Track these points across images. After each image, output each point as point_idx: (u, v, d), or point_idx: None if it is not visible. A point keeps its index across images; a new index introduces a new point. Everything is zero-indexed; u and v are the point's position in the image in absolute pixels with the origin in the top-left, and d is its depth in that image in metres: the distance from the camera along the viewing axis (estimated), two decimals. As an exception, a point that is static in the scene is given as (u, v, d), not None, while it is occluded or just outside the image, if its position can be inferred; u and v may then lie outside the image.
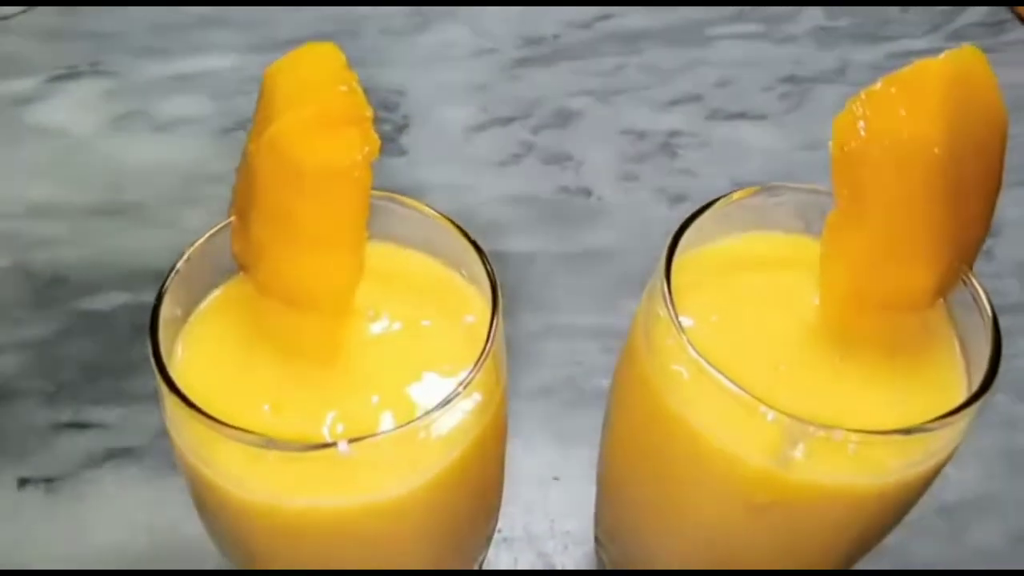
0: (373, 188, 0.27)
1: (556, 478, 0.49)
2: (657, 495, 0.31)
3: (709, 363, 0.26)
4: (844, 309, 0.30)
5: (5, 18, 0.74)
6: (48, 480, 0.48)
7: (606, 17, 0.79)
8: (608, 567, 0.41)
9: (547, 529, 0.47)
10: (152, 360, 0.26)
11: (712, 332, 0.29)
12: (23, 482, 0.47)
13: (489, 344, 0.27)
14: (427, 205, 0.31)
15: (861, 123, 0.26)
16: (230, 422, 0.25)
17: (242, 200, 0.29)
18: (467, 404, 0.27)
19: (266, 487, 0.26)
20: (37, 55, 0.72)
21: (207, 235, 0.29)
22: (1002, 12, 0.80)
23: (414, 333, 0.30)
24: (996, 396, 0.53)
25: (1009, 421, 0.52)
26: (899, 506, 0.29)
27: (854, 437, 0.25)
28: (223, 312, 0.31)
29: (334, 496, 0.26)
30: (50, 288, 0.56)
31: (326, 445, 0.24)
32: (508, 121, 0.69)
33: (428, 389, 0.28)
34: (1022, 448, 0.51)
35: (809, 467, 0.26)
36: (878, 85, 0.26)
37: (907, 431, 0.25)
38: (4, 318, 0.55)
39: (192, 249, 0.29)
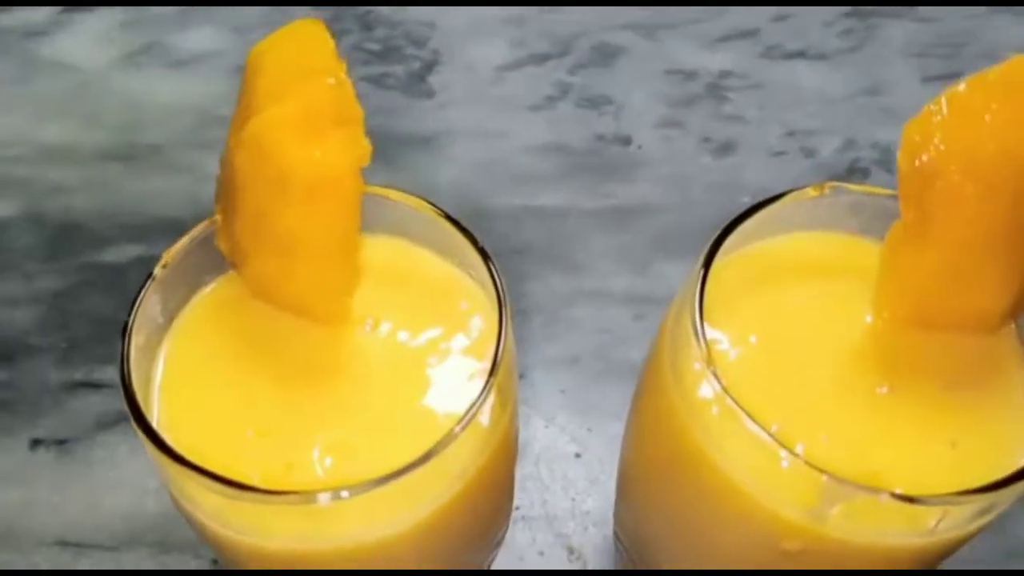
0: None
1: (578, 455, 0.47)
2: (680, 526, 0.28)
3: (742, 407, 0.23)
4: (897, 329, 0.27)
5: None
6: (60, 442, 0.47)
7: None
8: (624, 557, 0.39)
9: (567, 509, 0.45)
10: (123, 396, 0.24)
11: (748, 357, 0.26)
12: (35, 443, 0.47)
13: (493, 376, 0.24)
14: (434, 205, 0.28)
15: (938, 136, 0.22)
16: (209, 448, 0.23)
17: (225, 198, 0.26)
18: (469, 438, 0.24)
19: (245, 526, 0.24)
20: (50, -19, 0.68)
21: (187, 237, 0.27)
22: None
23: (417, 348, 0.27)
24: None
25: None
26: (943, 556, 0.26)
27: (900, 503, 0.22)
28: (210, 316, 0.28)
29: (315, 540, 0.23)
30: (63, 238, 0.55)
31: (303, 494, 0.22)
32: (543, 59, 0.64)
33: (430, 415, 0.26)
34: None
35: (846, 525, 0.23)
36: (961, 87, 0.22)
37: (959, 495, 0.22)
38: (17, 270, 0.53)
39: (170, 254, 0.26)
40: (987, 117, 0.22)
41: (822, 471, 0.22)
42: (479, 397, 0.24)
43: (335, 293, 0.25)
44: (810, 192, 0.27)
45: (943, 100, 0.22)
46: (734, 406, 0.23)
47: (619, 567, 0.43)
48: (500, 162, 0.58)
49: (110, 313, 0.51)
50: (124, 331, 0.25)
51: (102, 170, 0.58)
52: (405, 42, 0.64)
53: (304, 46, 0.24)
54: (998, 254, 0.24)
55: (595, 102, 0.62)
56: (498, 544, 0.35)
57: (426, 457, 0.22)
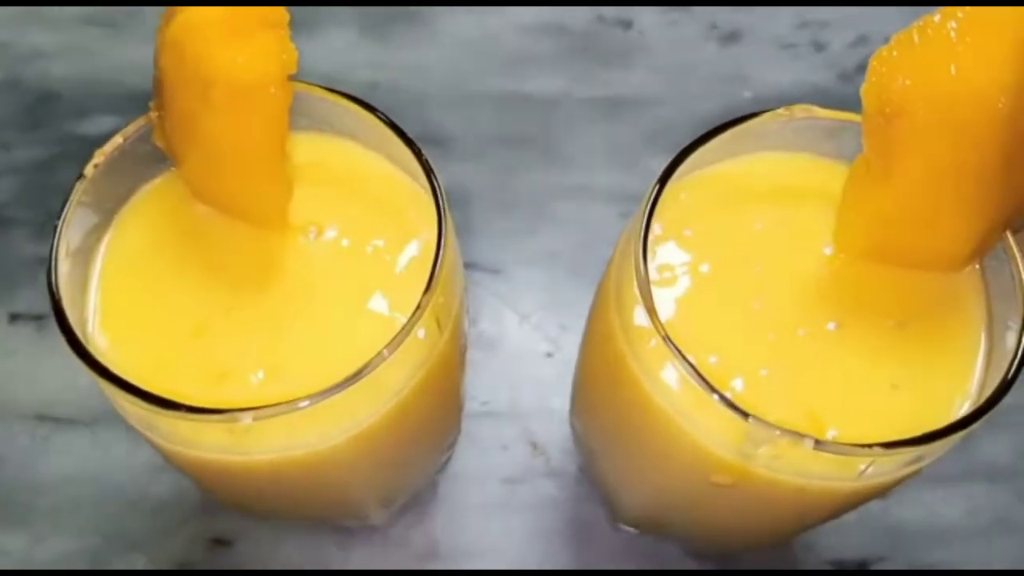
0: None
1: (550, 354, 0.47)
2: (618, 446, 0.28)
3: (673, 342, 0.22)
4: (857, 265, 0.25)
5: None
6: (38, 317, 0.47)
7: None
8: (583, 455, 0.40)
9: (534, 406, 0.45)
10: (50, 301, 0.24)
11: (696, 286, 0.25)
12: (14, 317, 0.47)
13: (426, 295, 0.23)
14: (379, 113, 0.26)
15: (905, 69, 0.20)
16: (144, 348, 0.23)
17: (158, 95, 0.25)
18: (400, 358, 0.24)
19: (172, 435, 0.24)
20: None
21: (120, 135, 0.26)
22: None
23: (358, 256, 0.27)
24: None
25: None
26: (874, 496, 0.26)
27: (828, 448, 0.22)
28: (152, 215, 0.27)
29: (241, 452, 0.24)
30: (41, 107, 0.53)
31: (223, 412, 0.22)
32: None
33: (368, 331, 0.25)
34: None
35: (773, 464, 0.23)
36: (935, 17, 0.20)
37: (888, 445, 0.22)
38: (-6, 138, 0.52)
39: (102, 153, 0.25)
40: (958, 53, 0.20)
41: (746, 414, 0.22)
42: (411, 319, 0.23)
43: (268, 201, 0.24)
44: (780, 113, 0.26)
45: (914, 30, 0.20)
46: (666, 341, 0.22)
47: (580, 464, 0.43)
48: (492, 41, 0.56)
49: (88, 187, 0.51)
50: (54, 233, 0.24)
51: (82, 35, 0.56)
52: (398, -94, 0.60)
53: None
54: (962, 196, 0.23)
55: (599, -23, 0.58)
56: (450, 447, 0.35)
57: (353, 378, 0.22)
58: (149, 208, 0.27)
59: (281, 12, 0.21)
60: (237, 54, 0.21)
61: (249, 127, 0.22)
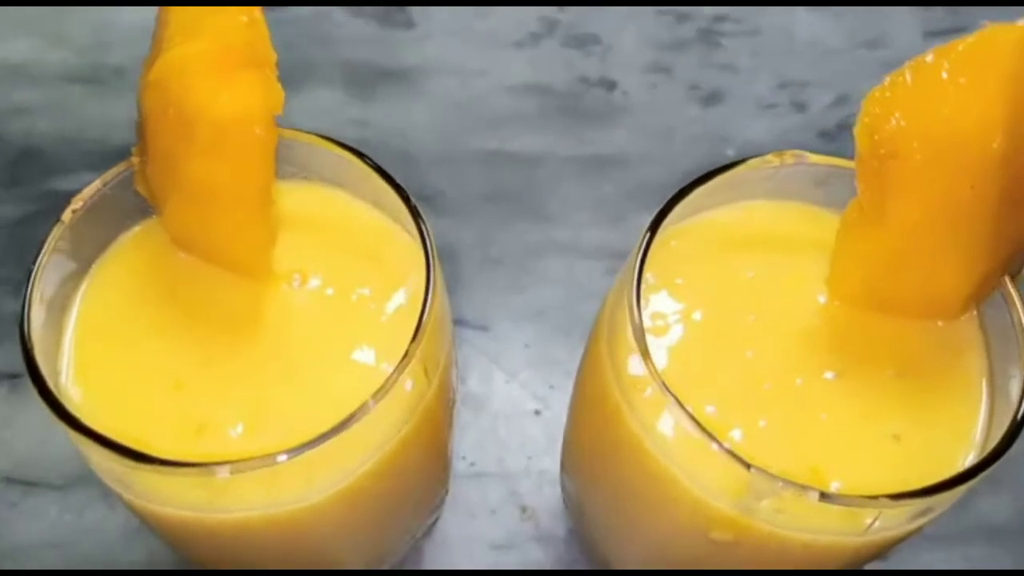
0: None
1: (538, 412, 0.46)
2: (614, 504, 0.27)
3: (670, 390, 0.22)
4: (853, 313, 0.25)
5: None
6: (12, 376, 0.46)
7: None
8: (574, 518, 0.38)
9: (523, 467, 0.44)
10: (21, 351, 0.23)
11: (690, 335, 0.25)
12: (-13, 377, 0.46)
13: (414, 344, 0.23)
14: (367, 159, 0.26)
15: (899, 110, 0.20)
16: (120, 403, 0.22)
17: (140, 140, 0.24)
18: (387, 410, 0.23)
19: (145, 491, 0.23)
20: None
21: (100, 180, 0.25)
22: None
23: (344, 305, 0.26)
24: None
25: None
26: (879, 553, 0.25)
27: (834, 500, 0.21)
28: (131, 263, 0.27)
29: (217, 510, 0.22)
30: (23, 162, 0.53)
31: (200, 465, 0.21)
32: (532, -8, 0.61)
33: (352, 382, 0.24)
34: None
35: (776, 519, 0.22)
36: (928, 58, 0.20)
37: (893, 497, 0.21)
38: (-27, 195, 0.52)
39: (80, 198, 0.25)
40: (951, 93, 0.20)
41: (748, 464, 0.21)
42: (397, 368, 0.22)
43: (252, 246, 0.24)
44: (770, 159, 0.26)
45: (907, 70, 0.20)
46: (662, 389, 0.22)
47: (570, 527, 0.42)
48: (477, 101, 0.56)
49: (67, 244, 0.50)
50: (28, 280, 0.23)
51: (65, 92, 0.55)
52: (387, -32, 0.61)
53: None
54: (958, 239, 0.22)
55: (581, 41, 0.59)
56: (437, 507, 0.34)
57: (336, 430, 0.21)
58: (128, 256, 0.27)
59: (267, 52, 0.21)
60: (221, 92, 0.21)
61: (233, 168, 0.21)
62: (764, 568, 0.24)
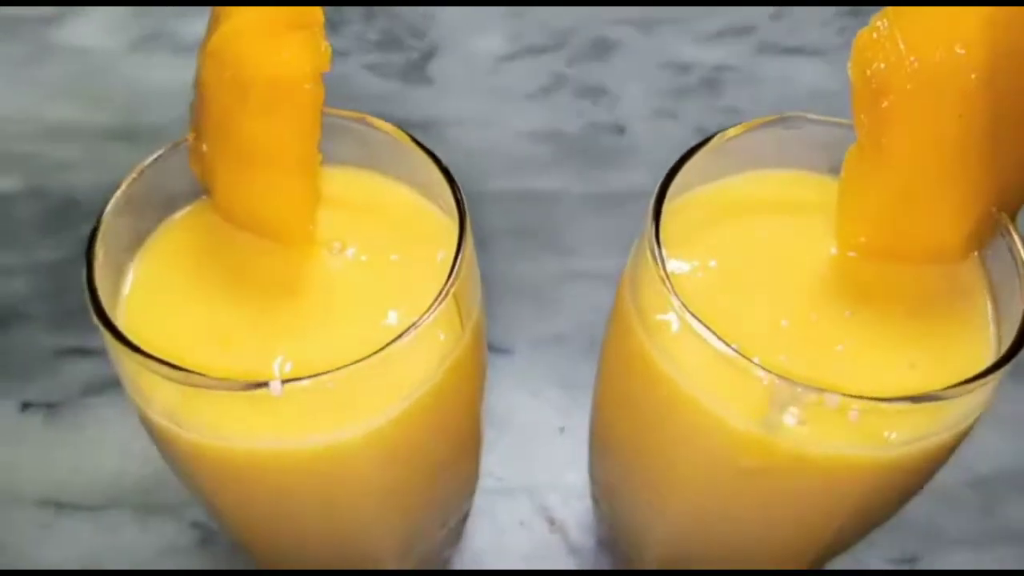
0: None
1: (562, 429, 0.46)
2: (644, 450, 0.28)
3: (691, 312, 0.23)
4: (861, 259, 0.26)
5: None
6: (50, 405, 0.47)
7: (655, -57, 0.73)
8: (604, 523, 0.39)
9: (548, 481, 0.45)
10: (85, 288, 0.25)
11: (707, 281, 0.26)
12: (25, 406, 0.47)
13: (451, 281, 0.24)
14: (404, 131, 0.28)
15: (889, 44, 0.22)
16: (170, 358, 0.23)
17: (196, 115, 0.27)
18: (422, 346, 0.24)
19: (197, 423, 0.24)
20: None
21: (161, 151, 0.27)
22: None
23: (381, 267, 0.28)
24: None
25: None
26: (907, 481, 0.25)
27: (853, 404, 0.22)
28: (181, 237, 0.29)
29: (263, 438, 0.24)
30: (62, 213, 0.55)
31: (257, 385, 0.22)
32: (541, 51, 0.65)
33: (389, 332, 0.26)
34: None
35: (799, 434, 0.23)
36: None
37: (915, 399, 0.22)
38: (16, 241, 0.54)
39: (143, 166, 0.27)
40: (942, 22, 0.22)
41: (769, 371, 0.22)
42: (433, 303, 0.24)
43: (298, 205, 0.26)
44: (772, 119, 0.28)
45: (892, 8, 0.22)
46: (685, 314, 0.23)
47: (599, 538, 0.42)
48: (495, 148, 0.59)
49: (104, 284, 0.52)
50: (91, 237, 0.25)
51: (104, 149, 0.59)
52: (405, 33, 0.65)
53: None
54: (954, 173, 0.24)
55: (590, 92, 0.62)
56: (469, 495, 0.34)
57: (377, 353, 0.23)
58: (178, 232, 0.28)
59: (315, 12, 0.23)
60: (274, 53, 0.23)
61: (285, 123, 0.24)
62: (793, 500, 0.25)
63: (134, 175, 0.27)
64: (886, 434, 0.23)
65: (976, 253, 0.27)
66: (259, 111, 0.24)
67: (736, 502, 0.26)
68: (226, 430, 0.24)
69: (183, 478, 0.28)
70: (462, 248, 0.25)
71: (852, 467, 0.24)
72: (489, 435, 0.43)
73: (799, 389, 0.22)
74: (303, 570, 0.32)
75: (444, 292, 0.24)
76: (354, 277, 0.27)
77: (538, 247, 0.54)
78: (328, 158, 0.28)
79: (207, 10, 0.26)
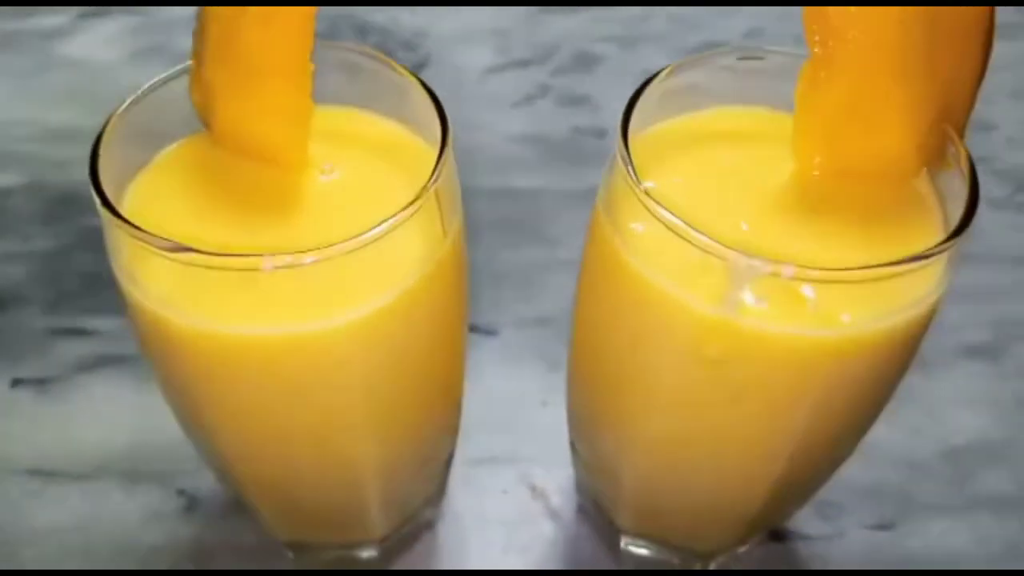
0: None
1: (544, 403, 0.48)
2: (616, 354, 0.29)
3: (653, 198, 0.25)
4: (819, 177, 0.28)
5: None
6: (40, 381, 0.48)
7: (635, -29, 0.77)
8: (581, 468, 0.40)
9: (531, 452, 0.46)
10: (90, 179, 0.26)
11: (670, 193, 0.28)
12: (16, 382, 0.48)
13: (434, 178, 0.26)
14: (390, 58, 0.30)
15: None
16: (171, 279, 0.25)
17: (197, 42, 0.29)
18: (406, 238, 0.26)
19: (195, 311, 0.25)
20: (70, -6, 0.73)
21: (166, 74, 0.29)
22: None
23: (370, 186, 0.29)
24: (1017, 345, 0.50)
25: (1030, 371, 0.49)
26: (867, 370, 0.26)
27: (807, 274, 0.23)
28: (178, 164, 0.30)
29: (257, 322, 0.25)
30: (60, 205, 0.57)
31: (249, 259, 0.24)
32: (526, 64, 0.68)
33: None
34: (1045, 397, 0.48)
35: (759, 313, 0.24)
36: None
37: (866, 267, 0.23)
38: (15, 231, 0.56)
39: (150, 84, 0.29)
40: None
41: (727, 246, 0.23)
42: (417, 197, 0.25)
43: (292, 118, 0.27)
44: (727, 50, 0.30)
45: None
46: (648, 201, 0.25)
47: (579, 504, 0.43)
48: (483, 150, 0.61)
49: (100, 272, 0.53)
50: (94, 173, 0.27)
51: (103, 149, 0.61)
52: (397, 46, 0.68)
53: None
54: (899, 83, 0.26)
55: (573, 100, 0.65)
56: (452, 433, 0.35)
57: (362, 234, 0.24)
58: (174, 159, 0.30)
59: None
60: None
61: (279, 31, 0.26)
62: (759, 390, 0.26)
63: (135, 95, 0.28)
64: (842, 315, 0.25)
65: (927, 170, 0.28)
66: (256, 21, 0.26)
67: (706, 398, 0.27)
68: (221, 315, 0.25)
69: (168, 372, 0.29)
70: (443, 154, 0.27)
71: (812, 349, 0.25)
72: (474, 409, 0.44)
73: (755, 262, 0.23)
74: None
75: (427, 186, 0.26)
76: (344, 193, 0.29)
77: (522, 238, 0.56)
78: (317, 96, 0.30)
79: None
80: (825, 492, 0.43)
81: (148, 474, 0.44)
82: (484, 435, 0.45)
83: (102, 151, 0.27)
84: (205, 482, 0.44)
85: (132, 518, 0.43)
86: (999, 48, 0.71)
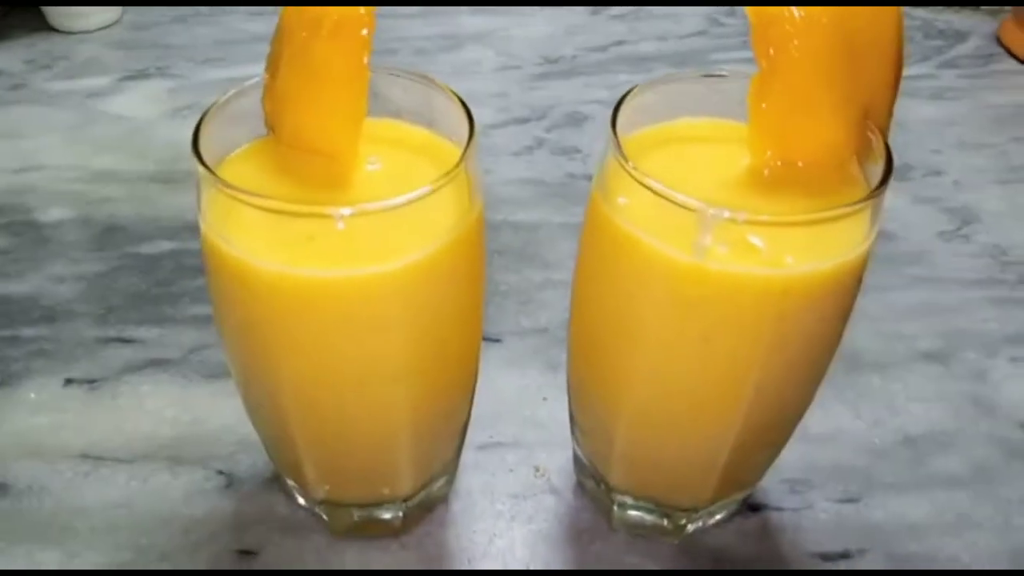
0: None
1: (545, 399, 0.53)
2: (607, 304, 0.35)
3: (638, 168, 0.32)
4: (770, 164, 0.35)
5: (87, 31, 0.85)
6: (91, 381, 0.53)
7: (620, 43, 0.87)
8: (580, 443, 0.45)
9: (534, 439, 0.51)
10: (192, 149, 0.33)
11: (653, 173, 0.35)
12: (68, 382, 0.53)
13: (464, 157, 0.33)
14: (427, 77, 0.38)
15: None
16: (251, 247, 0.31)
17: (272, 58, 0.36)
18: (441, 203, 0.32)
19: (275, 257, 0.32)
20: (113, 60, 0.82)
21: (249, 83, 0.36)
22: (992, 46, 0.86)
23: (406, 173, 0.36)
24: (967, 352, 0.56)
25: (977, 374, 0.55)
26: (812, 310, 0.33)
27: (756, 217, 0.30)
28: (249, 158, 0.37)
29: (326, 267, 0.31)
30: (107, 235, 0.64)
31: (321, 207, 0.30)
32: (524, 121, 0.76)
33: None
34: (987, 395, 0.54)
35: (721, 256, 0.31)
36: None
37: (804, 214, 0.30)
38: (65, 256, 0.62)
39: (235, 91, 0.35)
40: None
41: (695, 199, 0.30)
42: (451, 170, 0.32)
43: (349, 116, 0.34)
44: (699, 72, 0.37)
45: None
46: (634, 171, 0.32)
47: (577, 479, 0.48)
48: (488, 191, 0.66)
49: (144, 290, 0.60)
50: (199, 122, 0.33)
51: (144, 189, 0.68)
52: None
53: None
54: (832, 87, 0.33)
55: (567, 151, 0.73)
56: (470, 396, 0.41)
57: (408, 194, 0.31)
58: (247, 155, 0.37)
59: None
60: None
61: (345, 43, 0.33)
62: (725, 327, 0.33)
63: (228, 94, 0.35)
64: (787, 257, 0.31)
65: (856, 158, 0.35)
66: (328, 35, 0.33)
67: (681, 338, 0.33)
68: (294, 260, 0.31)
69: (243, 316, 0.34)
70: (471, 140, 0.34)
71: (764, 286, 0.31)
72: (483, 404, 0.50)
73: (715, 211, 0.30)
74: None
75: (460, 161, 0.33)
76: (387, 179, 0.36)
77: (523, 263, 0.62)
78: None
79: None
80: (796, 472, 0.49)
81: (190, 459, 0.49)
82: (491, 426, 0.51)
83: (202, 128, 0.33)
84: (243, 464, 0.49)
85: (175, 495, 0.48)
86: (949, 107, 0.83)
